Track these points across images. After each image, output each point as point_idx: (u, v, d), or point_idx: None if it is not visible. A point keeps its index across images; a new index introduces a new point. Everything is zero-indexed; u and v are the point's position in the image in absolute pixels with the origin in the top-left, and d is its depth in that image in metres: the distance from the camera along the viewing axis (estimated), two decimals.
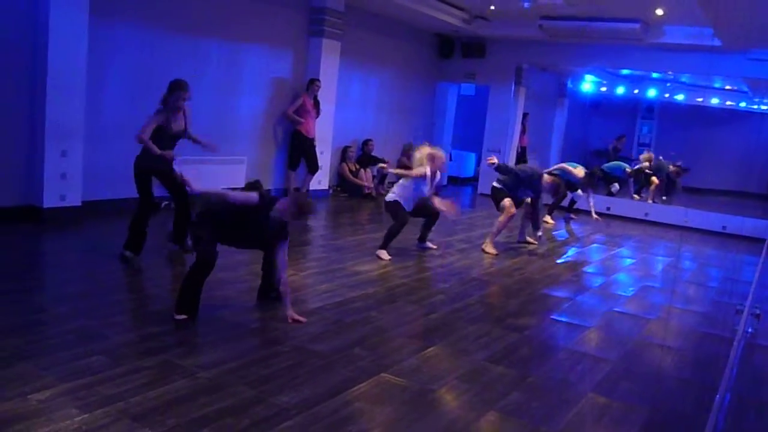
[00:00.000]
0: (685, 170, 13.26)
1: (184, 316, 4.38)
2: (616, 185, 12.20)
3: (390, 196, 7.20)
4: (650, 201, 12.33)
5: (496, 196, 7.99)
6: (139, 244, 5.86)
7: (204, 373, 3.60)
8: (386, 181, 12.03)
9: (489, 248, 7.73)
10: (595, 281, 6.95)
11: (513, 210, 7.83)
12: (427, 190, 7.11)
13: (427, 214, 7.38)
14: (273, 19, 9.62)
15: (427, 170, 7.03)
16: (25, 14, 6.64)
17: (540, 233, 8.69)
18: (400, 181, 7.27)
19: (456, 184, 14.96)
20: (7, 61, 6.61)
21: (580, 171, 9.81)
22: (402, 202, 7.07)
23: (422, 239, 7.58)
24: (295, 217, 4.60)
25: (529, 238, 8.52)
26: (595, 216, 10.15)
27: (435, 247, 7.56)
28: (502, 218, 7.79)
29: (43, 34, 6.64)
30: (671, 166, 12.86)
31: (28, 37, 6.68)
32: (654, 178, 12.41)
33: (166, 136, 5.81)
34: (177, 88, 5.81)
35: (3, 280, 4.98)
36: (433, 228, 7.54)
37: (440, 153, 7.23)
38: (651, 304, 6.20)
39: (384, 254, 6.90)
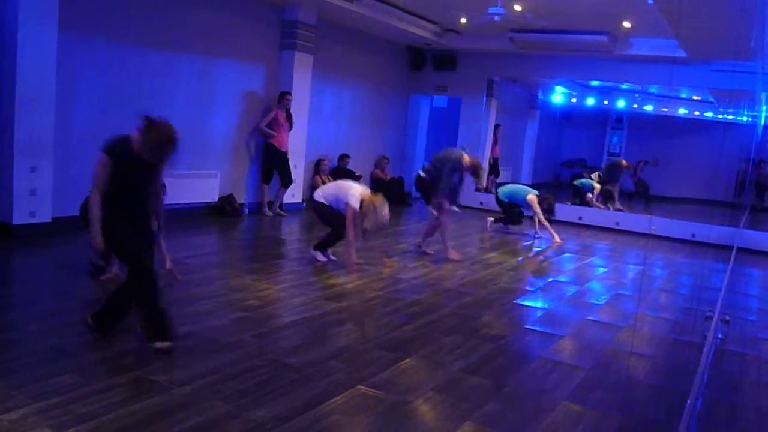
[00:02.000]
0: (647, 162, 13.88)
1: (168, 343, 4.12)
2: (589, 195, 12.81)
3: (317, 195, 6.96)
4: (597, 204, 12.88)
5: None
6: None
7: (179, 389, 3.57)
8: None
9: (453, 255, 7.86)
10: (568, 290, 7.02)
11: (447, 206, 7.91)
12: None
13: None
14: (244, 33, 9.62)
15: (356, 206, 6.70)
16: None
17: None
18: (331, 189, 6.97)
19: None
20: None
21: (532, 197, 9.95)
22: (329, 205, 6.84)
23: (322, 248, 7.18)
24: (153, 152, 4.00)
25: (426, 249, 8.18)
26: (557, 239, 10.00)
27: (335, 258, 7.18)
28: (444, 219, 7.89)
29: (12, 49, 6.57)
30: (623, 162, 13.58)
31: None
32: (596, 186, 13.05)
33: None
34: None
35: None
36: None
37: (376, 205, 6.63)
38: (623, 312, 6.28)
39: (319, 255, 7.01)
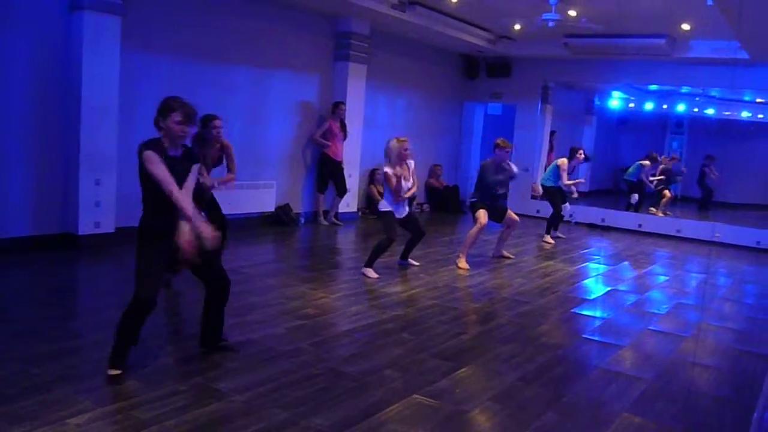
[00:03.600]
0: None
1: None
2: (636, 196, 12.65)
3: (382, 205, 7.10)
4: (661, 213, 12.87)
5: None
6: None
7: (238, 396, 3.63)
8: (414, 203, 12.06)
9: (462, 264, 7.68)
10: (628, 299, 6.87)
11: (484, 221, 7.83)
12: (404, 185, 6.99)
13: (412, 229, 7.27)
14: (299, 45, 9.75)
15: (388, 170, 6.91)
16: (58, 46, 6.84)
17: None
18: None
19: None
20: (42, 92, 6.80)
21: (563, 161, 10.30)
22: (394, 210, 7.00)
23: (404, 257, 7.48)
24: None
25: (505, 253, 8.53)
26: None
27: (417, 264, 7.49)
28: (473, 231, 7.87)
29: (77, 65, 6.84)
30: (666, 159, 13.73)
31: (61, 68, 6.88)
32: (666, 192, 13.05)
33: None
34: (210, 119, 6.16)
35: (41, 307, 5.10)
36: (416, 246, 7.46)
37: (392, 143, 6.97)
38: (685, 322, 6.12)
39: (371, 272, 6.86)
